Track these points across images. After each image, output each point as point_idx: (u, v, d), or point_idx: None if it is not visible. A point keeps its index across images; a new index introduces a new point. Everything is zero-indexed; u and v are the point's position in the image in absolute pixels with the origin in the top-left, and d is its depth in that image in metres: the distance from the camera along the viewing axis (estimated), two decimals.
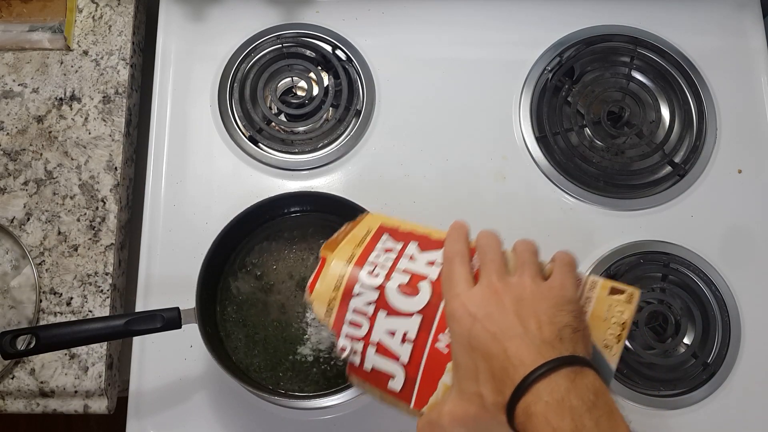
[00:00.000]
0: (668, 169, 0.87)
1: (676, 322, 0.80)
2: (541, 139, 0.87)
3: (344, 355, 0.57)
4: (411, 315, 0.55)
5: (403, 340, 0.55)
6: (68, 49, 0.88)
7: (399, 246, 0.60)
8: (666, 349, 0.79)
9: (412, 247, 0.59)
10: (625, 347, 0.80)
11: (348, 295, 0.58)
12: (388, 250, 0.60)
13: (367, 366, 0.56)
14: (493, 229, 0.55)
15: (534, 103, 0.88)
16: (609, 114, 0.88)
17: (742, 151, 0.87)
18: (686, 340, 0.80)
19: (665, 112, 0.89)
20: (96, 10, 0.90)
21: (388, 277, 0.57)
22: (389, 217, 0.65)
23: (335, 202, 0.74)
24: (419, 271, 0.57)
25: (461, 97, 0.89)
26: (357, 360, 0.56)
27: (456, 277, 0.52)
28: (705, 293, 0.81)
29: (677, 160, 0.86)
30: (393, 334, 0.55)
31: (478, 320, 0.49)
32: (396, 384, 0.55)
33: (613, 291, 0.54)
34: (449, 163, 0.86)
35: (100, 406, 0.77)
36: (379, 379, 0.56)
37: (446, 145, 0.86)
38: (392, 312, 0.56)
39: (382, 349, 0.55)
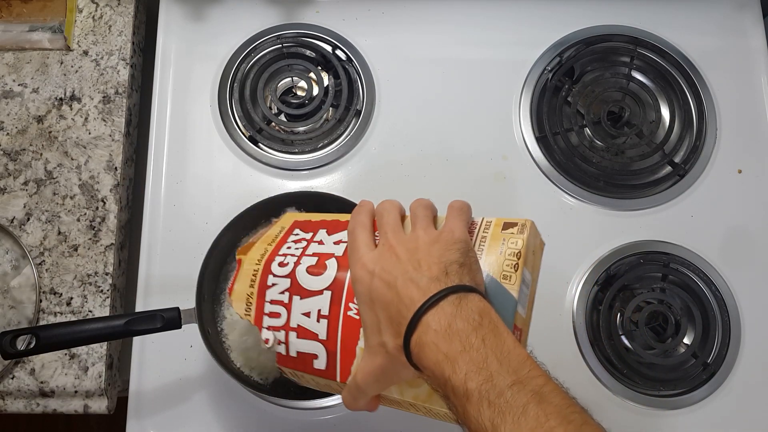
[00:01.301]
0: (668, 169, 0.87)
1: (676, 322, 0.80)
2: (541, 139, 0.87)
3: (269, 346, 0.58)
4: (321, 292, 0.56)
5: (319, 318, 0.56)
6: (68, 49, 0.88)
7: (309, 235, 0.62)
8: (666, 349, 0.79)
9: (321, 233, 0.61)
10: (625, 347, 0.80)
11: (263, 288, 0.60)
12: (298, 241, 0.62)
13: (292, 352, 0.57)
14: (393, 199, 0.57)
15: (534, 103, 0.88)
16: (609, 114, 0.88)
17: (742, 151, 0.87)
18: (686, 340, 0.80)
19: (665, 112, 0.89)
20: (96, 10, 0.90)
21: (297, 263, 0.59)
22: (304, 213, 0.69)
23: (335, 202, 0.74)
24: (326, 251, 0.58)
25: (461, 97, 0.89)
26: (283, 349, 0.58)
27: (358, 244, 0.54)
28: (705, 293, 0.81)
29: (677, 160, 0.86)
30: (308, 314, 0.56)
31: (375, 275, 0.51)
32: (320, 363, 0.56)
33: (506, 226, 0.55)
34: (449, 163, 0.86)
35: (100, 406, 0.77)
36: (305, 362, 0.56)
37: (446, 145, 0.86)
38: (305, 294, 0.57)
39: (302, 332, 0.56)
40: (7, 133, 0.85)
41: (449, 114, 0.88)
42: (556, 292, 0.81)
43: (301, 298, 0.57)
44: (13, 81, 0.87)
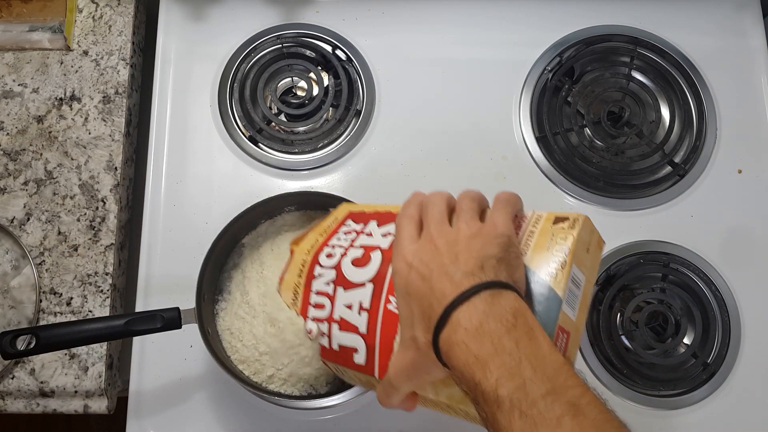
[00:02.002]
0: (668, 169, 0.87)
1: (676, 322, 0.80)
2: (541, 139, 0.87)
3: (312, 336, 0.57)
4: (364, 284, 0.55)
5: (360, 310, 0.54)
6: (68, 49, 0.88)
7: (360, 227, 0.60)
8: (666, 349, 0.79)
9: (372, 225, 0.59)
10: (625, 347, 0.80)
11: (310, 278, 0.59)
12: (348, 232, 0.61)
13: (334, 345, 0.56)
14: (443, 191, 0.55)
15: (534, 103, 0.88)
16: (609, 114, 0.88)
17: (742, 151, 0.87)
18: (686, 340, 0.80)
19: (665, 112, 0.89)
20: (96, 10, 0.90)
21: (343, 254, 0.58)
22: (359, 204, 0.66)
23: (336, 202, 0.74)
24: (373, 243, 0.57)
25: (461, 97, 0.89)
26: (326, 342, 0.57)
27: (402, 236, 0.52)
28: (705, 293, 0.81)
29: (677, 160, 0.86)
30: (350, 306, 0.55)
31: (413, 267, 0.49)
32: (360, 357, 0.54)
33: (557, 220, 0.52)
34: (449, 163, 0.86)
35: (100, 406, 0.77)
36: (346, 356, 0.55)
37: (446, 145, 0.86)
38: (348, 285, 0.56)
39: (344, 325, 0.55)
40: (7, 133, 0.85)
41: (449, 114, 0.88)
42: None
43: (344, 290, 0.56)
44: (13, 81, 0.87)
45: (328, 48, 0.90)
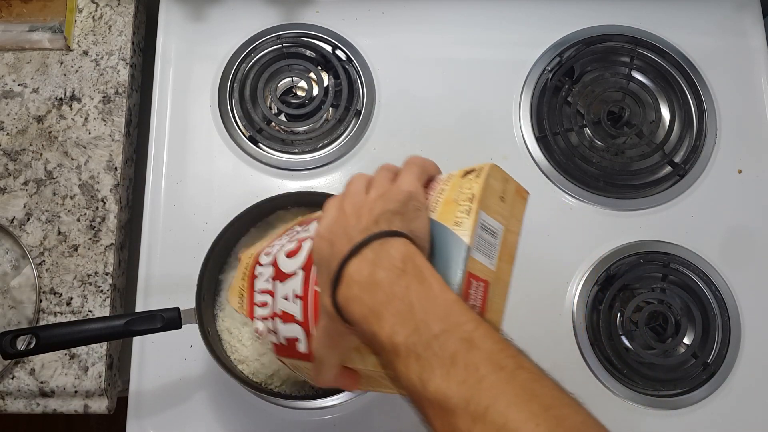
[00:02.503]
0: (668, 169, 0.87)
1: (676, 322, 0.80)
2: (541, 139, 0.87)
3: (261, 336, 0.57)
4: (296, 273, 0.55)
5: (294, 299, 0.54)
6: (68, 49, 0.88)
7: (302, 228, 0.60)
8: (666, 349, 0.79)
9: (314, 225, 0.59)
10: (625, 347, 0.80)
11: (252, 279, 0.59)
12: (290, 234, 0.61)
13: (282, 339, 0.56)
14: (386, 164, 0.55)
15: (534, 103, 0.88)
16: (609, 114, 0.88)
17: (742, 151, 0.87)
18: (686, 340, 0.80)
19: (665, 112, 0.89)
20: (96, 10, 0.90)
21: (279, 250, 0.58)
22: (314, 213, 0.66)
23: None
24: (307, 235, 0.57)
25: (461, 97, 0.89)
26: (275, 338, 0.56)
27: (323, 216, 0.52)
28: (705, 293, 0.81)
29: (677, 160, 0.86)
30: (287, 297, 0.55)
31: (323, 237, 0.49)
32: (302, 345, 0.54)
33: (467, 173, 0.52)
34: (449, 163, 0.85)
35: (100, 406, 0.77)
36: (292, 348, 0.55)
37: (446, 145, 0.86)
38: (283, 277, 0.56)
39: (285, 317, 0.55)
40: (7, 133, 0.85)
41: (449, 114, 0.88)
42: (556, 292, 0.81)
43: (281, 282, 0.56)
44: (13, 81, 0.87)
45: (328, 48, 0.90)
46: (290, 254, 0.56)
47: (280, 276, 0.57)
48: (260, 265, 0.60)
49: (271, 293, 0.57)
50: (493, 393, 0.39)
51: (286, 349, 0.56)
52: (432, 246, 0.48)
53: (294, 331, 0.54)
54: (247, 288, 0.60)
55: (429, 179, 0.54)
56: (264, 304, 0.58)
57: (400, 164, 0.88)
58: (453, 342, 0.41)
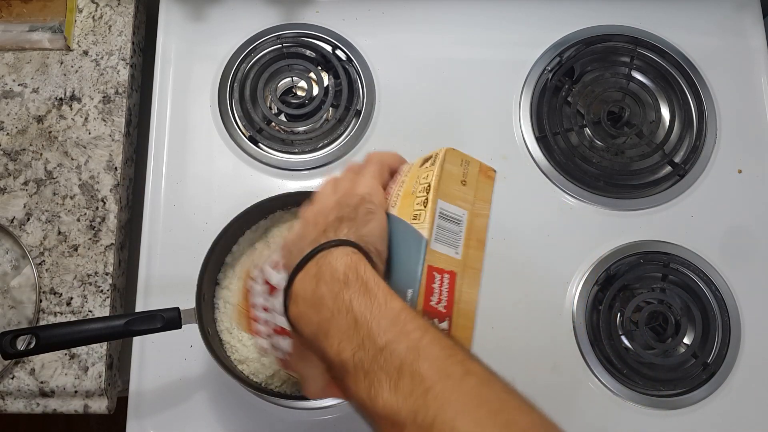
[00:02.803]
0: (668, 169, 0.87)
1: (676, 322, 0.80)
2: (541, 139, 0.87)
3: (266, 352, 0.57)
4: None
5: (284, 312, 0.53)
6: (68, 49, 0.88)
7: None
8: (666, 349, 0.79)
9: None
10: (625, 347, 0.80)
11: (249, 297, 0.58)
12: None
13: (284, 353, 0.55)
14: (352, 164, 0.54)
15: (534, 103, 0.88)
16: (609, 114, 0.88)
17: (742, 151, 0.87)
18: (686, 340, 0.80)
19: (665, 112, 0.89)
20: (96, 10, 0.90)
21: (267, 261, 0.57)
22: None
23: None
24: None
25: (461, 97, 0.88)
26: (279, 353, 0.56)
27: (294, 228, 0.51)
28: (705, 293, 0.81)
29: (677, 160, 0.86)
30: (281, 312, 0.54)
31: (285, 249, 0.49)
32: None
33: (424, 162, 0.49)
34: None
35: (100, 406, 0.77)
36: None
37: (446, 145, 0.86)
38: (274, 291, 0.55)
39: (281, 331, 0.55)
40: (7, 133, 0.85)
41: (449, 114, 0.88)
42: (556, 292, 0.81)
43: (273, 297, 0.56)
44: (13, 81, 0.87)
45: (328, 48, 0.90)
46: (276, 266, 0.56)
47: (272, 290, 0.56)
48: (254, 281, 0.59)
49: (268, 309, 0.57)
50: (439, 403, 0.38)
51: (288, 362, 0.56)
52: (393, 242, 0.47)
53: (290, 344, 0.54)
54: (246, 307, 0.59)
55: (393, 172, 0.53)
56: (264, 321, 0.57)
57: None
58: (399, 353, 0.40)
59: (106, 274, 0.80)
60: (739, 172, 0.86)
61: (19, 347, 0.64)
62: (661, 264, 0.82)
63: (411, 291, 0.46)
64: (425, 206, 0.46)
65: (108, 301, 0.80)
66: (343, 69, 0.88)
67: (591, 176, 0.86)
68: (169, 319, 0.65)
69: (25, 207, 0.82)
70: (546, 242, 0.83)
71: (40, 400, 0.77)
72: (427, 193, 0.46)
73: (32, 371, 0.77)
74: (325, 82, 0.89)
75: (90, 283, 0.80)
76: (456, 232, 0.47)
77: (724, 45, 0.91)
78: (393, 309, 0.41)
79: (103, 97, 0.87)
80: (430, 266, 0.45)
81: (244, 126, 0.87)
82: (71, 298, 0.80)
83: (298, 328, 0.45)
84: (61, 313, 0.79)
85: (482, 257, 0.48)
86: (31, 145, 0.85)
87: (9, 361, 0.76)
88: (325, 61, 0.90)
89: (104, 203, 0.83)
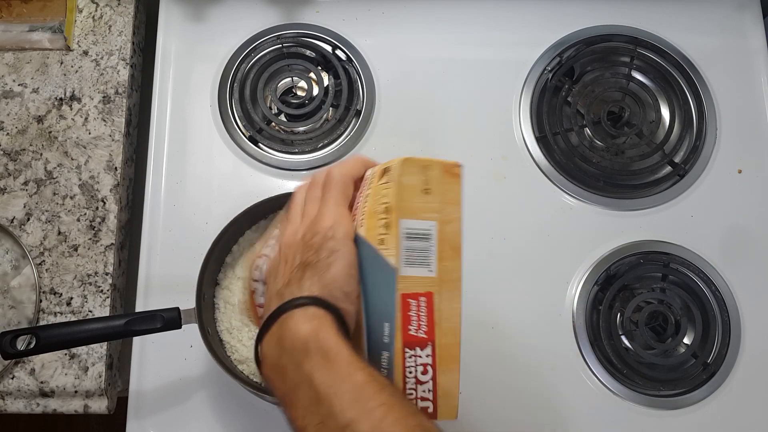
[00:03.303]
0: (668, 169, 0.87)
1: (676, 322, 0.80)
2: (541, 139, 0.87)
3: None
4: None
5: None
6: (68, 49, 0.88)
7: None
8: (666, 349, 0.79)
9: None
10: (625, 347, 0.80)
11: (251, 294, 0.58)
12: (276, 237, 0.58)
13: None
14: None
15: (534, 103, 0.88)
16: (609, 114, 0.88)
17: (742, 151, 0.87)
18: (686, 340, 0.80)
19: (665, 112, 0.89)
20: (96, 10, 0.90)
21: (264, 264, 0.56)
22: None
23: None
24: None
25: (461, 97, 0.88)
26: None
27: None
28: (705, 293, 0.81)
29: (677, 160, 0.86)
30: None
31: (266, 277, 0.48)
32: None
33: (383, 175, 0.46)
34: None
35: (100, 406, 0.77)
36: None
37: (446, 145, 0.86)
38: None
39: None
40: (7, 133, 0.85)
41: (449, 114, 0.88)
42: (556, 292, 0.81)
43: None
44: (13, 81, 0.87)
45: (328, 48, 0.90)
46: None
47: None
48: (253, 280, 0.58)
49: None
50: None
51: None
52: (363, 267, 0.45)
53: None
54: (250, 302, 0.59)
55: (358, 181, 0.50)
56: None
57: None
58: None
59: (106, 274, 0.80)
60: (739, 172, 0.86)
61: (19, 347, 0.64)
62: (661, 264, 0.82)
63: (387, 325, 0.44)
64: (388, 229, 0.43)
65: (108, 301, 0.80)
66: (343, 69, 0.88)
67: (591, 176, 0.86)
68: (169, 319, 0.65)
69: (25, 207, 0.82)
70: (546, 242, 0.83)
71: (40, 400, 0.77)
72: (388, 214, 0.44)
73: (32, 371, 0.77)
74: (325, 82, 0.89)
75: (90, 283, 0.80)
76: (426, 248, 0.45)
77: (724, 45, 0.91)
78: (356, 382, 0.40)
79: (103, 97, 0.87)
80: (404, 294, 0.43)
81: (244, 126, 0.87)
82: (71, 298, 0.80)
83: (270, 387, 0.44)
84: (61, 313, 0.79)
85: (459, 265, 0.46)
86: (31, 145, 0.85)
87: (9, 361, 0.76)
88: (325, 61, 0.90)
89: (104, 203, 0.83)
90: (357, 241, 0.46)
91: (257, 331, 0.58)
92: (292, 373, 0.41)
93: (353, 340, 0.44)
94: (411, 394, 0.44)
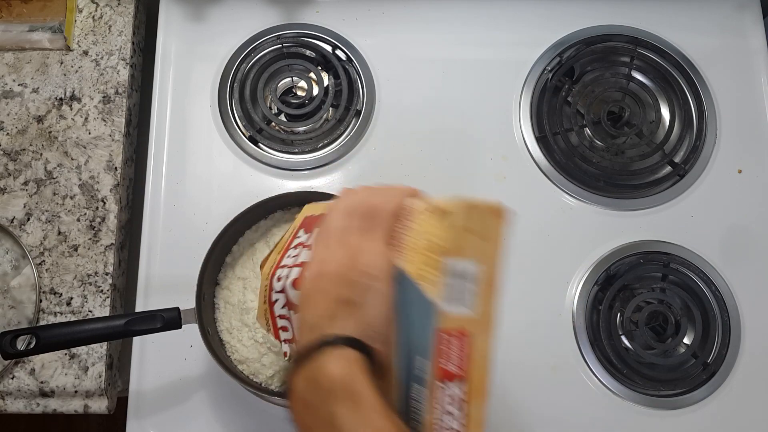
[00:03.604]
0: (668, 169, 0.87)
1: (676, 322, 0.80)
2: (541, 139, 0.87)
3: (287, 359, 0.57)
4: None
5: None
6: (68, 49, 0.88)
7: (306, 237, 0.58)
8: (666, 349, 0.79)
9: (316, 232, 0.55)
10: (625, 347, 0.80)
11: (271, 304, 0.58)
12: (296, 247, 0.58)
13: None
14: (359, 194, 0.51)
15: (534, 103, 0.88)
16: (609, 114, 0.88)
17: (742, 151, 0.87)
18: (686, 340, 0.80)
19: (665, 112, 0.89)
20: (96, 10, 0.90)
21: (287, 276, 0.56)
22: (316, 204, 0.62)
23: None
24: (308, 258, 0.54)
25: (461, 97, 0.88)
26: None
27: (307, 263, 0.49)
28: (705, 293, 0.81)
29: (677, 160, 0.86)
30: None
31: (302, 297, 0.48)
32: None
33: (432, 211, 0.47)
34: (449, 163, 0.86)
35: (100, 406, 0.77)
36: None
37: (446, 145, 0.86)
38: (296, 308, 0.54)
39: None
40: (7, 133, 0.85)
41: (449, 114, 0.88)
42: (556, 292, 0.81)
43: (294, 313, 0.55)
44: (13, 81, 0.87)
45: (328, 48, 0.90)
46: (296, 284, 0.55)
47: (292, 306, 0.56)
48: (274, 291, 0.58)
49: (289, 320, 0.57)
50: None
51: None
52: (399, 299, 0.45)
53: None
54: (269, 312, 0.59)
55: (399, 209, 0.49)
56: (285, 329, 0.57)
57: (399, 164, 0.88)
58: None
59: (106, 274, 0.80)
60: (739, 172, 0.86)
61: (19, 347, 0.64)
62: (661, 264, 0.82)
63: (421, 359, 0.45)
64: (433, 267, 0.44)
65: (108, 301, 0.80)
66: (343, 69, 0.88)
67: (591, 176, 0.86)
68: (169, 319, 0.65)
69: (25, 207, 0.82)
70: (546, 242, 0.83)
71: (40, 400, 0.77)
72: (436, 254, 0.44)
73: (32, 371, 0.77)
74: (325, 82, 0.89)
75: (90, 283, 0.80)
76: (468, 288, 0.45)
77: (724, 45, 0.91)
78: (378, 428, 0.40)
79: (103, 97, 0.87)
80: (440, 329, 0.44)
81: (244, 126, 0.87)
82: (71, 298, 0.80)
83: (294, 419, 0.44)
84: (61, 313, 0.79)
85: (496, 304, 0.46)
86: (31, 145, 0.85)
87: (9, 361, 0.76)
88: (325, 61, 0.90)
89: (104, 203, 0.83)
90: (396, 272, 0.46)
91: (269, 334, 0.59)
92: (318, 411, 0.42)
93: (384, 377, 0.45)
94: (441, 425, 0.45)
